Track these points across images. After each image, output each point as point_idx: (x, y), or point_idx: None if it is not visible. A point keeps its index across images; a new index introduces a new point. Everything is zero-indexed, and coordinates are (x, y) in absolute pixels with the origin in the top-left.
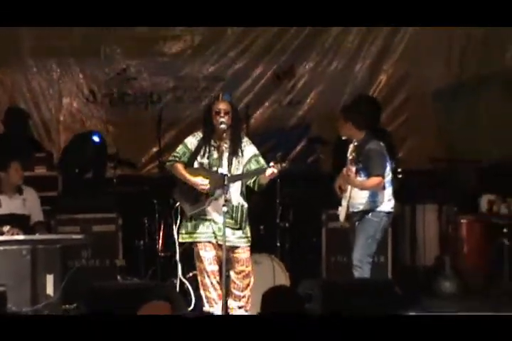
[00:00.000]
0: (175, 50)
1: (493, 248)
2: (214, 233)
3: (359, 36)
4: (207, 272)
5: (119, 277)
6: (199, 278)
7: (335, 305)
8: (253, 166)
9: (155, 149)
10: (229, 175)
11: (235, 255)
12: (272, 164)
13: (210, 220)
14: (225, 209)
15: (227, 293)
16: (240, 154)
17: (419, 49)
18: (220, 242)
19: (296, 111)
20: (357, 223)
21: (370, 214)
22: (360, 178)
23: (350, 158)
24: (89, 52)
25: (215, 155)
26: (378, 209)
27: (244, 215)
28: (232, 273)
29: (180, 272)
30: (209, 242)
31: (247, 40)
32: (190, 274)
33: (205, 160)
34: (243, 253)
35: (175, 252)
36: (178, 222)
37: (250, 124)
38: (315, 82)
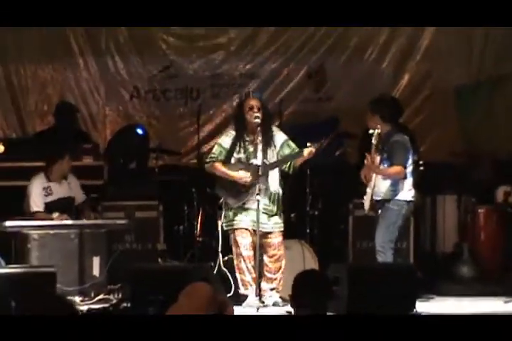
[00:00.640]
0: (213, 49)
1: (509, 236)
2: (252, 220)
3: (384, 37)
4: (243, 257)
5: (159, 260)
6: (235, 262)
7: (360, 287)
8: (286, 151)
9: (194, 142)
10: (267, 163)
11: (268, 240)
12: (309, 144)
13: (249, 209)
14: (259, 197)
15: (260, 276)
16: (272, 145)
17: (441, 49)
18: (255, 228)
19: (326, 107)
20: (379, 211)
21: (391, 202)
22: (383, 167)
23: (375, 148)
24: (134, 51)
25: (251, 148)
26: (399, 197)
27: (280, 202)
28: (265, 257)
29: (221, 261)
30: (246, 229)
31: (281, 41)
32: (226, 258)
33: (242, 155)
34: (276, 238)
35: (213, 238)
36: (223, 215)
37: (283, 119)
38: (343, 80)
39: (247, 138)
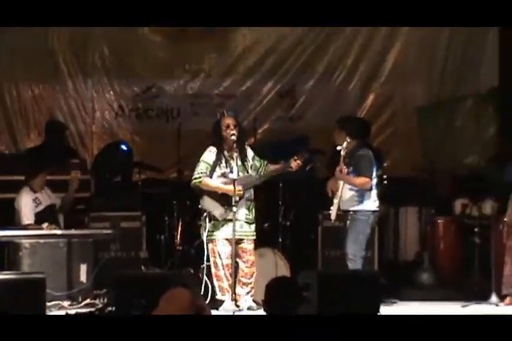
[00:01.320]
0: (193, 70)
1: (466, 245)
2: (233, 231)
3: (351, 60)
4: (222, 265)
5: (142, 267)
6: (213, 270)
7: (329, 293)
8: (257, 163)
9: (174, 157)
10: (254, 175)
11: (244, 245)
12: (295, 158)
13: (230, 220)
14: (234, 209)
15: (235, 282)
16: (247, 159)
17: (403, 71)
18: (236, 237)
19: (297, 125)
20: (348, 221)
21: (358, 213)
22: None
23: (343, 160)
24: (119, 73)
25: (232, 163)
26: (365, 208)
27: (254, 212)
28: (240, 263)
29: (204, 271)
30: (226, 239)
31: (255, 64)
32: (203, 265)
33: (226, 170)
34: (250, 245)
35: (191, 247)
36: (208, 226)
37: (257, 136)
38: (313, 100)
39: (226, 154)
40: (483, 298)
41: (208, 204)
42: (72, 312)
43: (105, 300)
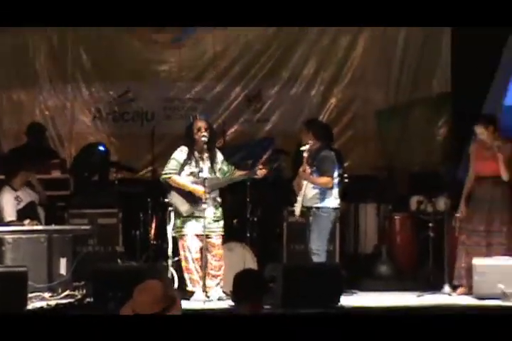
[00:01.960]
0: (166, 75)
1: (421, 239)
2: (204, 226)
3: (313, 67)
4: (192, 259)
5: (119, 260)
6: (184, 264)
7: (293, 284)
8: (225, 167)
9: (148, 158)
10: (218, 177)
11: (212, 240)
12: (261, 166)
13: (198, 217)
14: (205, 206)
15: (205, 275)
16: (217, 161)
17: (364, 76)
18: (203, 233)
19: (263, 127)
20: (311, 218)
21: (320, 209)
22: (314, 176)
23: (306, 160)
24: (96, 78)
25: (201, 164)
26: (327, 205)
27: (221, 210)
28: (209, 257)
29: (170, 263)
30: (196, 235)
31: (224, 70)
32: (175, 259)
33: (195, 169)
34: (218, 240)
35: (164, 242)
36: (172, 222)
37: (226, 138)
38: (278, 104)
39: (196, 155)
40: (437, 288)
41: (174, 199)
42: (53, 302)
43: (84, 292)
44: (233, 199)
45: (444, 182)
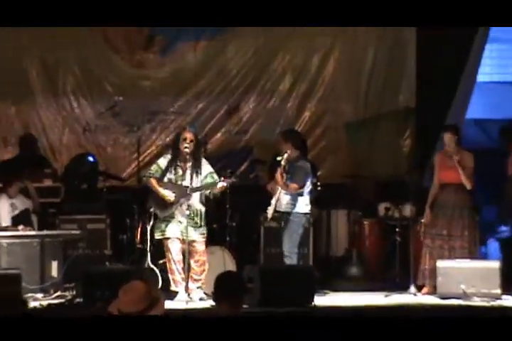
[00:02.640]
0: (149, 90)
1: (388, 243)
2: (181, 231)
3: (289, 82)
4: (174, 261)
5: (107, 263)
6: (167, 265)
7: (270, 284)
8: (209, 180)
9: (134, 167)
10: (190, 187)
11: (194, 248)
12: (222, 179)
13: (177, 221)
14: (187, 212)
15: (188, 277)
16: (199, 172)
17: (335, 91)
18: (184, 238)
19: (242, 138)
20: (282, 222)
21: (291, 215)
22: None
23: (283, 168)
24: (85, 92)
25: (180, 172)
26: (298, 211)
27: (203, 217)
28: (192, 262)
29: (149, 260)
30: (176, 238)
31: (205, 85)
32: (161, 261)
33: (173, 176)
34: (201, 246)
35: (151, 246)
36: (152, 223)
37: (207, 148)
38: (256, 117)
39: (179, 164)
40: (403, 288)
41: (152, 202)
42: (45, 303)
43: (74, 293)
44: (214, 206)
45: (410, 190)
